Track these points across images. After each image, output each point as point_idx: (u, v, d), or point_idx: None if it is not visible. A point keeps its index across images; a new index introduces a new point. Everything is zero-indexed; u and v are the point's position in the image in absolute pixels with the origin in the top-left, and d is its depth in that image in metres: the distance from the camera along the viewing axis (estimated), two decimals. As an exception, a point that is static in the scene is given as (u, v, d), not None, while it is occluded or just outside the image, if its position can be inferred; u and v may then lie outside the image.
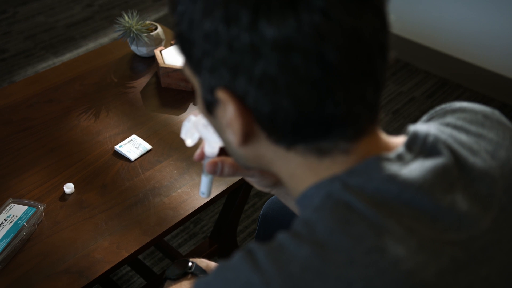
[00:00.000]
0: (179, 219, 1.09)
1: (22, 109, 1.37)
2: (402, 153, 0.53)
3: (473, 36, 2.38)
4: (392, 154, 0.53)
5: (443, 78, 2.53)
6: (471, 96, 2.42)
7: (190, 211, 1.11)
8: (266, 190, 0.80)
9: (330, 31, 0.45)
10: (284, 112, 0.49)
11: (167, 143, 1.27)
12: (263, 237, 0.99)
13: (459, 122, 0.58)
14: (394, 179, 0.51)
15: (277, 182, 0.78)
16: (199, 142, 0.71)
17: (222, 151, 0.71)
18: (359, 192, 0.50)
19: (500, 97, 2.39)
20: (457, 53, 2.46)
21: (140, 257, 1.65)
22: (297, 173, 0.55)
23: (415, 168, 0.52)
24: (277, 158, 0.54)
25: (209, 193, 0.75)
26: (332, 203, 0.50)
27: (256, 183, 0.79)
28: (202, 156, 0.72)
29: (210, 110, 0.55)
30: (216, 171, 0.70)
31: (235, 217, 1.48)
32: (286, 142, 0.52)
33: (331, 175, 0.52)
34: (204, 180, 0.74)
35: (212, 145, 0.70)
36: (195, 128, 0.69)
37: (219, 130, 0.57)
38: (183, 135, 0.70)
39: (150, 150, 1.24)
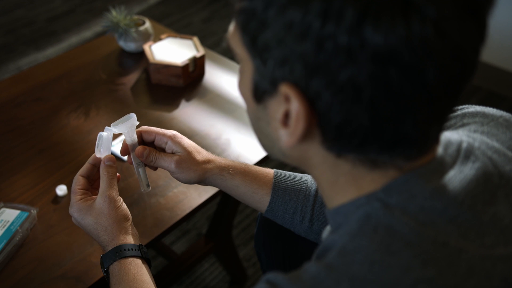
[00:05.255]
0: (177, 220, 1.07)
1: (9, 108, 1.33)
2: (439, 161, 0.50)
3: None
4: (430, 164, 0.49)
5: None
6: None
7: (187, 211, 1.09)
8: (191, 184, 0.83)
9: (439, 48, 0.40)
10: (357, 124, 0.44)
11: (160, 141, 1.24)
12: (263, 236, 0.97)
13: (486, 128, 0.57)
14: (437, 194, 0.48)
15: (201, 176, 0.78)
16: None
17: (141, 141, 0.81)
18: (401, 212, 0.47)
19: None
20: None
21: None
22: (340, 182, 0.51)
23: (456, 179, 0.49)
24: (323, 163, 0.50)
25: (149, 184, 0.87)
26: (372, 228, 0.46)
27: (176, 178, 0.80)
28: (126, 148, 0.79)
29: (259, 98, 0.49)
30: (144, 154, 0.78)
31: (230, 215, 1.46)
32: (342, 151, 0.48)
33: (370, 192, 0.49)
34: (141, 172, 0.84)
35: (129, 134, 0.79)
36: (110, 136, 0.79)
37: (262, 120, 0.51)
38: (102, 152, 0.79)
39: (143, 149, 1.22)
